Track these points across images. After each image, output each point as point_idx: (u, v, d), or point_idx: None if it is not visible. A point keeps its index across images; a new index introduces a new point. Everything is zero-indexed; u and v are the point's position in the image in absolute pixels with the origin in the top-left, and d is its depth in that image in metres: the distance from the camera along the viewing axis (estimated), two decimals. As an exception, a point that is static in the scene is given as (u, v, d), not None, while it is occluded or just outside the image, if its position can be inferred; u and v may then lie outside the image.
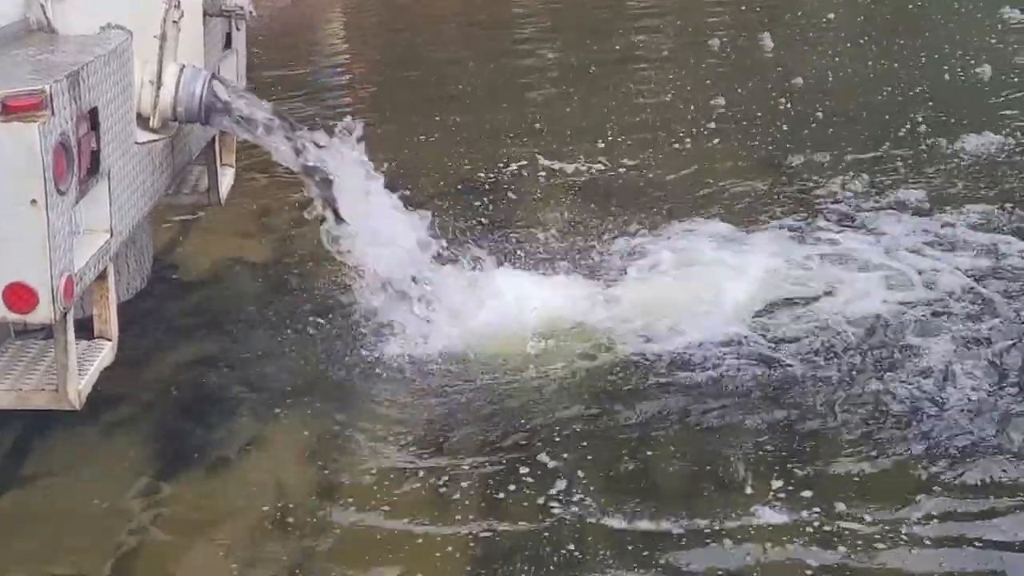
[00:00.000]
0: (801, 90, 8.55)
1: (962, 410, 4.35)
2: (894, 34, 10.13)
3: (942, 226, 5.96)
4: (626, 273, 5.56)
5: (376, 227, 4.90)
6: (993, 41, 9.75)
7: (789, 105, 8.20)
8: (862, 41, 10.02)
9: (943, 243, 5.77)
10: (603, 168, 7.09)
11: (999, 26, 10.14)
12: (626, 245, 5.87)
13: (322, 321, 5.17)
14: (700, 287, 5.37)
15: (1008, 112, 7.83)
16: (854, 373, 4.64)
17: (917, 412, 4.36)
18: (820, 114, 7.95)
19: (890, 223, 6.01)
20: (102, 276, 3.84)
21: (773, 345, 4.86)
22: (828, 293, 5.33)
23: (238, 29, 5.15)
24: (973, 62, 8.98)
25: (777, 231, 6.01)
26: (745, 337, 4.91)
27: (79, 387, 3.67)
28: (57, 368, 3.65)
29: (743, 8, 11.56)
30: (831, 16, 11.01)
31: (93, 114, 3.67)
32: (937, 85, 8.57)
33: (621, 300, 5.26)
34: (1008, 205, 6.22)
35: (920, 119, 7.64)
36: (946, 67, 8.98)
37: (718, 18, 11.13)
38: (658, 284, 5.47)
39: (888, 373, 4.62)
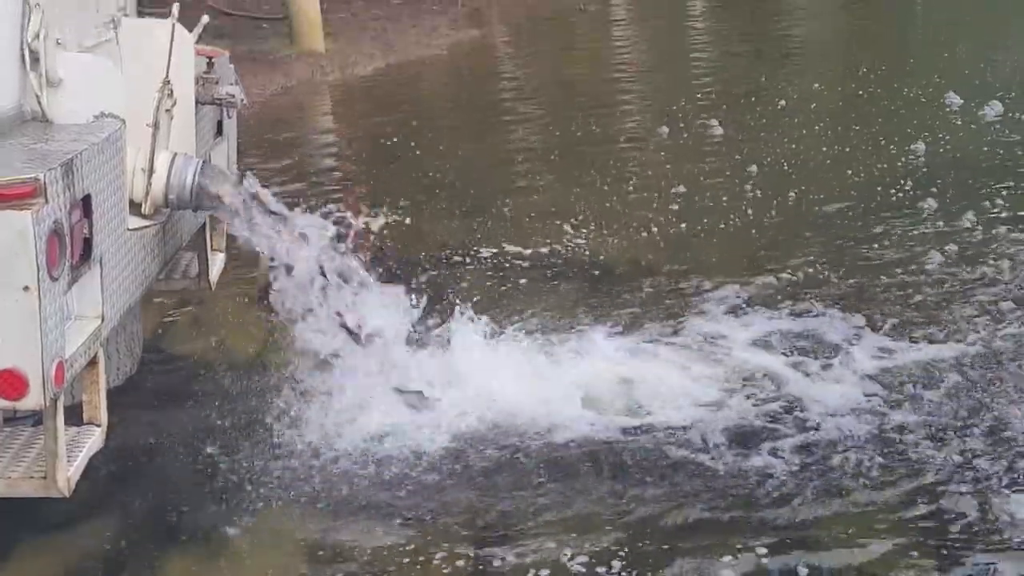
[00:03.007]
0: (759, 178, 8.40)
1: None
2: (848, 120, 10.11)
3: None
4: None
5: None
6: (960, 123, 9.75)
7: (757, 192, 8.08)
8: (817, 128, 9.98)
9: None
10: (571, 255, 6.97)
11: (947, 110, 10.16)
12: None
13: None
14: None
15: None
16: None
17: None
18: (789, 201, 7.86)
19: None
20: (92, 362, 3.68)
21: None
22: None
23: (229, 116, 5.04)
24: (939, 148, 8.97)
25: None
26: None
27: (68, 475, 3.51)
28: (46, 455, 3.48)
29: (698, 96, 11.55)
30: (783, 103, 10.98)
31: (86, 201, 3.56)
32: (905, 168, 8.53)
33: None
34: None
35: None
36: (908, 152, 8.94)
37: (674, 104, 11.06)
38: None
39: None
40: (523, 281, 6.52)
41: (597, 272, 6.68)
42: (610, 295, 6.30)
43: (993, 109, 9.94)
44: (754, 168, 8.53)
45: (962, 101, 10.25)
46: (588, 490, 4.37)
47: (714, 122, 9.98)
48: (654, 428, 4.75)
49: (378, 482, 4.42)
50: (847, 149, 9.12)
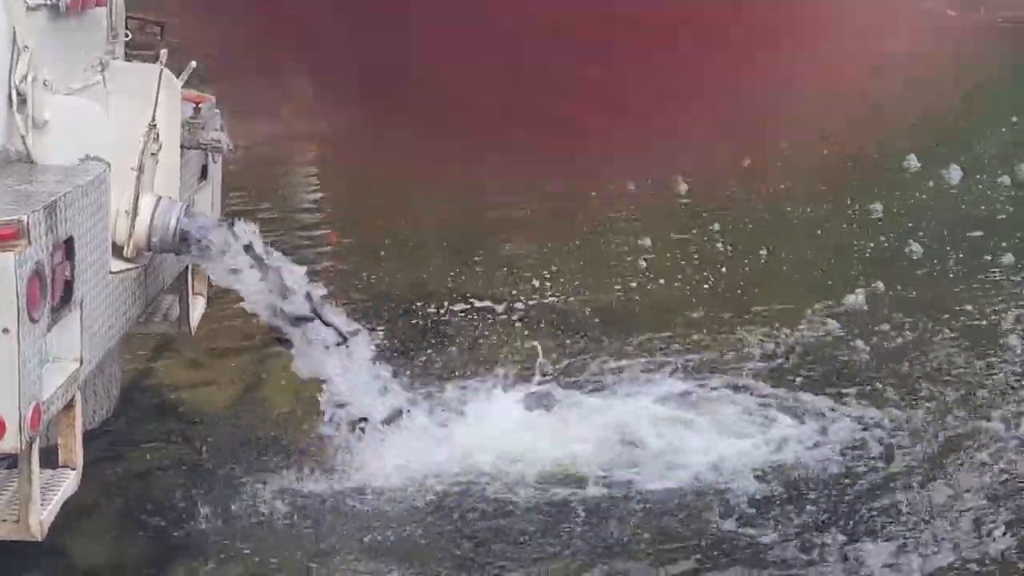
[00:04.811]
0: (730, 235, 8.34)
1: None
2: (819, 188, 10.08)
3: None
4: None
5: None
6: (925, 197, 9.74)
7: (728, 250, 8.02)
8: (783, 187, 9.94)
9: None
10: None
11: (907, 174, 10.16)
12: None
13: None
14: None
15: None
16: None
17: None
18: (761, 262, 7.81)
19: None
20: (69, 405, 3.56)
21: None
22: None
23: (214, 161, 4.94)
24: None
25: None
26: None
27: (41, 518, 3.39)
28: (20, 498, 3.35)
29: (667, 154, 11.50)
30: (748, 162, 10.93)
31: (69, 243, 3.46)
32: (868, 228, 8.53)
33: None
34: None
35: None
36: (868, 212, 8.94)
37: (636, 162, 10.99)
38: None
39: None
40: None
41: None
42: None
43: (953, 174, 9.96)
44: (728, 226, 8.48)
45: (918, 163, 10.26)
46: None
47: (681, 182, 9.95)
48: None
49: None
50: (812, 213, 9.12)
